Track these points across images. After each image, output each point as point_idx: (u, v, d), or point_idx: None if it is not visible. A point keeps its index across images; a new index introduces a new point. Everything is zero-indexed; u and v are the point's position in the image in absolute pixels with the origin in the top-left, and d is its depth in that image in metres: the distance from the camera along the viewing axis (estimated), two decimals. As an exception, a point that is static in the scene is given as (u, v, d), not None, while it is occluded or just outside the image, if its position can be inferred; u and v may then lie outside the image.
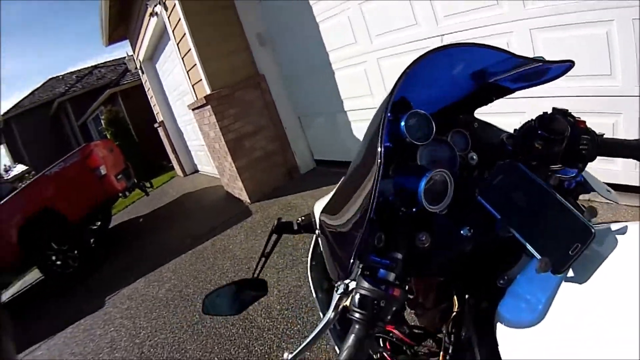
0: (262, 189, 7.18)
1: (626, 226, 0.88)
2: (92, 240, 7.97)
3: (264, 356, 3.58)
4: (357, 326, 0.87)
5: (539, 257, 0.88)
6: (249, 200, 7.19)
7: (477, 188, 1.02)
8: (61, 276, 7.27)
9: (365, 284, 0.90)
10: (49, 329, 5.70)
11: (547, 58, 1.09)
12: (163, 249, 6.86)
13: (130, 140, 16.62)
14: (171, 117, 12.36)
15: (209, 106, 6.78)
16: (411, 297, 1.27)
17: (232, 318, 4.18)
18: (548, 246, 0.89)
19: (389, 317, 0.90)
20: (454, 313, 1.08)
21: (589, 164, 1.15)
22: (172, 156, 13.16)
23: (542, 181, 1.01)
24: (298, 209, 6.08)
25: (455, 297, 1.10)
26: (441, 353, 1.05)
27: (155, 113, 12.95)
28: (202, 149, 10.00)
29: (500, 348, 0.88)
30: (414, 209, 0.98)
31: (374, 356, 1.16)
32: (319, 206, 1.45)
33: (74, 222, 7.48)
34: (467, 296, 1.07)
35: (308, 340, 0.91)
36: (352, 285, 0.94)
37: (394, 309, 0.90)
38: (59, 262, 7.29)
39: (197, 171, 12.62)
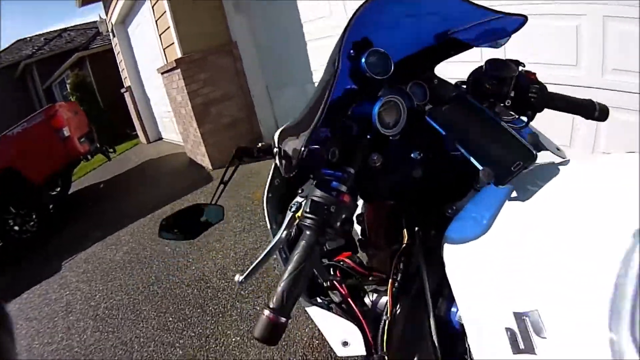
0: (225, 156, 7.11)
1: (568, 160, 0.97)
2: (51, 206, 7.80)
3: (218, 316, 3.60)
4: (307, 232, 0.90)
5: (481, 167, 0.93)
6: (211, 167, 7.15)
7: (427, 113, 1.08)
8: (18, 241, 7.07)
9: (317, 192, 0.94)
10: (3, 295, 5.60)
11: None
12: (122, 214, 6.78)
13: (95, 106, 16.16)
14: (139, 83, 12.14)
15: (178, 70, 6.70)
16: (362, 239, 1.31)
17: (187, 278, 4.20)
18: (491, 160, 0.95)
19: (338, 224, 0.93)
20: (404, 245, 1.12)
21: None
22: (137, 123, 12.96)
23: (488, 110, 1.07)
24: (260, 175, 6.06)
25: (405, 230, 1.14)
26: (390, 280, 1.09)
27: (123, 78, 12.71)
28: (167, 115, 9.88)
29: (447, 269, 0.91)
30: (369, 135, 1.04)
31: (324, 284, 1.18)
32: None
33: (34, 184, 7.28)
34: (416, 229, 1.12)
35: (258, 260, 0.96)
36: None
37: (343, 216, 0.93)
38: (16, 227, 7.13)
39: (161, 138, 12.47)
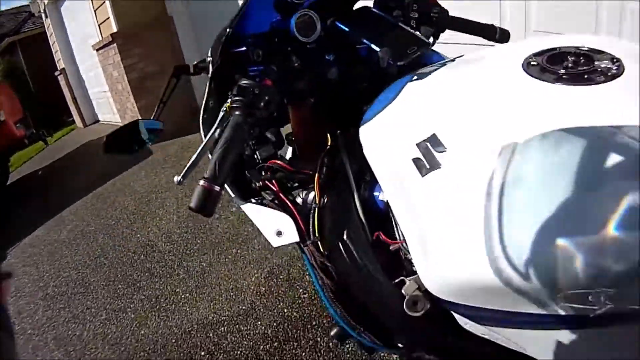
0: (164, 130, 7.06)
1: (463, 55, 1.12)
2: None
3: (166, 276, 3.68)
4: (236, 112, 0.98)
5: (379, 49, 1.11)
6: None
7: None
8: (-44, 236, 6.80)
9: (243, 79, 1.03)
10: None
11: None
12: (63, 197, 6.66)
13: (28, 93, 15.45)
14: (73, 64, 11.70)
15: (114, 44, 6.62)
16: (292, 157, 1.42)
17: (133, 246, 4.24)
18: (389, 45, 1.12)
19: (262, 104, 1.01)
20: (328, 146, 1.23)
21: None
22: (72, 106, 12.52)
23: (389, 17, 1.23)
24: (198, 145, 6.04)
25: (329, 135, 1.25)
26: (316, 174, 1.18)
27: (56, 60, 12.24)
28: (103, 96, 9.65)
29: (364, 150, 1.02)
30: (289, 47, 1.18)
31: (257, 184, 1.28)
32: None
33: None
34: (338, 132, 1.23)
35: (193, 158, 0.99)
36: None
37: (267, 97, 1.02)
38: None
39: (97, 121, 12.15)
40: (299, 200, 1.27)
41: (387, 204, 1.00)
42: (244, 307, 3.10)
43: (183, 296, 3.41)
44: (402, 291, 0.90)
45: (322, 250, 1.11)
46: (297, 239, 1.13)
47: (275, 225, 1.14)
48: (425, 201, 0.81)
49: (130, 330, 3.28)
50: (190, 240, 4.02)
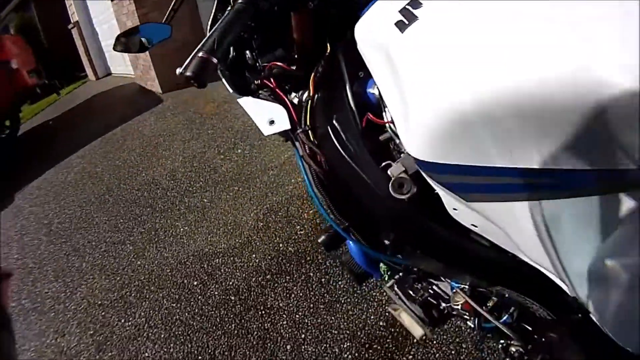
0: (175, 80, 7.01)
1: None
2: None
3: (167, 211, 3.66)
4: (239, 1, 0.95)
5: None
6: (160, 91, 7.05)
7: None
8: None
9: None
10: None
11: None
12: (72, 143, 6.64)
13: (41, 48, 15.37)
14: (87, 17, 11.69)
15: (129, -6, 6.47)
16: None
17: (138, 184, 4.23)
18: None
19: None
20: (327, 54, 1.19)
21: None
22: (85, 59, 12.50)
23: None
24: (209, 94, 6.04)
25: (328, 45, 1.20)
26: (313, 73, 1.15)
27: (70, 14, 12.22)
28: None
29: (358, 45, 0.96)
30: None
31: (255, 82, 1.27)
32: None
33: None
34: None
35: (196, 50, 0.92)
36: None
37: None
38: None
39: (110, 74, 12.14)
40: (295, 100, 1.24)
41: (378, 96, 0.97)
42: (240, 241, 3.07)
43: (182, 229, 3.39)
44: (388, 172, 0.88)
45: (312, 139, 1.09)
46: (289, 127, 1.11)
47: (268, 115, 1.13)
48: (405, 57, 0.79)
49: (128, 261, 3.27)
50: (193, 179, 3.99)
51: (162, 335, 2.58)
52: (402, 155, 0.90)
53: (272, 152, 4.06)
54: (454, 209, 0.82)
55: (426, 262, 1.11)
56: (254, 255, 2.91)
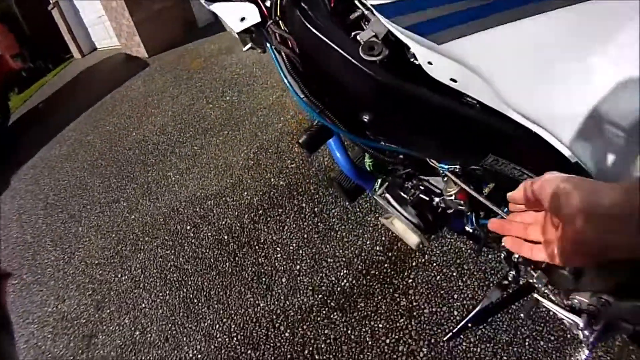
0: (160, 43, 6.88)
1: None
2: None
3: (158, 164, 3.55)
4: None
5: None
6: (146, 55, 6.87)
7: None
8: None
9: None
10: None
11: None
12: (63, 119, 6.43)
13: (22, 34, 15.03)
14: (66, -6, 11.44)
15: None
16: None
17: (129, 144, 4.11)
18: None
19: None
20: None
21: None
22: (68, 38, 12.18)
23: None
24: (196, 52, 5.89)
25: None
26: None
27: (49, -7, 11.94)
28: (99, 22, 9.39)
29: None
30: None
31: None
32: None
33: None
34: None
35: None
36: None
37: None
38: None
39: (95, 49, 11.91)
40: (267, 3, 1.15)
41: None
42: (231, 181, 2.94)
43: (173, 179, 3.27)
44: (358, 38, 0.86)
45: (283, 27, 1.03)
46: (259, 19, 1.05)
47: (239, 14, 1.07)
48: None
49: (122, 217, 3.17)
50: (183, 130, 3.86)
51: (158, 284, 2.49)
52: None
53: (260, 94, 3.91)
54: (429, 62, 0.78)
55: (410, 140, 1.01)
56: (245, 193, 2.79)
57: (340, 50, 0.87)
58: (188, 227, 2.74)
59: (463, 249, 2.01)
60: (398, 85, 0.84)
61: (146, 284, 2.53)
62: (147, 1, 6.68)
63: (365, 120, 0.94)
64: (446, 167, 1.00)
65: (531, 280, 0.99)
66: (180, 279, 2.44)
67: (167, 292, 2.42)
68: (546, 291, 1.11)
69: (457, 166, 0.98)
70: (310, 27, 0.92)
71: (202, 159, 3.33)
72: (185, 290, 2.37)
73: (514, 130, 0.77)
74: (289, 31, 1.01)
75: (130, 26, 6.74)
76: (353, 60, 0.84)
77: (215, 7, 1.16)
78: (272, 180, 2.80)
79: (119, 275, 2.70)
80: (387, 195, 1.32)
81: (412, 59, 0.84)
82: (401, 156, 1.09)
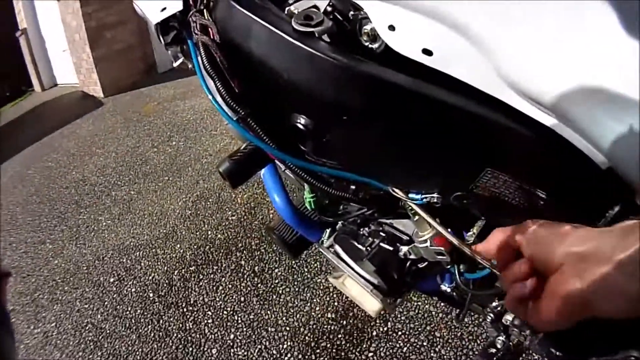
0: (118, 84, 6.62)
1: None
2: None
3: (92, 206, 3.28)
4: None
5: None
6: (102, 95, 6.57)
7: None
8: None
9: None
10: None
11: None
12: (9, 151, 6.04)
13: None
14: (35, 22, 11.11)
15: (75, -9, 6.04)
16: None
17: (66, 182, 3.81)
18: None
19: None
20: None
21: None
22: (31, 69, 11.85)
23: None
24: (150, 96, 5.67)
25: None
26: None
27: (19, 21, 11.60)
28: (63, 56, 9.14)
29: None
30: None
31: None
32: None
33: None
34: None
35: None
36: None
37: None
38: None
39: (56, 84, 11.55)
40: None
41: None
42: (164, 231, 2.70)
43: (104, 224, 3.00)
44: (292, 8, 0.66)
45: (207, 17, 0.80)
46: (180, 7, 0.85)
47: (161, 5, 0.88)
48: None
49: (45, 261, 2.87)
50: (123, 173, 3.61)
51: (71, 342, 2.20)
52: None
53: (208, 141, 3.71)
54: (390, 27, 0.56)
55: (365, 159, 0.73)
56: (178, 246, 2.55)
57: (266, 25, 0.65)
58: (112, 280, 2.47)
59: (434, 312, 1.78)
60: (345, 65, 0.59)
61: (58, 341, 2.23)
62: (109, 39, 6.48)
63: (301, 127, 0.69)
64: (419, 198, 0.70)
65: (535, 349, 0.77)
66: (96, 339, 2.16)
67: (80, 354, 2.12)
68: None
69: (435, 196, 0.68)
70: (233, 3, 0.71)
71: (137, 205, 3.08)
72: (99, 354, 2.09)
73: (524, 128, 0.54)
74: (213, 19, 0.79)
75: (90, 62, 6.50)
76: (283, 35, 0.63)
77: (138, 2, 1.01)
78: (210, 233, 2.57)
79: (31, 327, 2.38)
80: (337, 248, 1.04)
81: (366, 42, 0.62)
82: (353, 186, 0.78)
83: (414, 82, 0.57)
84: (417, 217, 0.77)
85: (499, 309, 0.85)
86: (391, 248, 0.96)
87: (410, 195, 0.70)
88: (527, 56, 0.49)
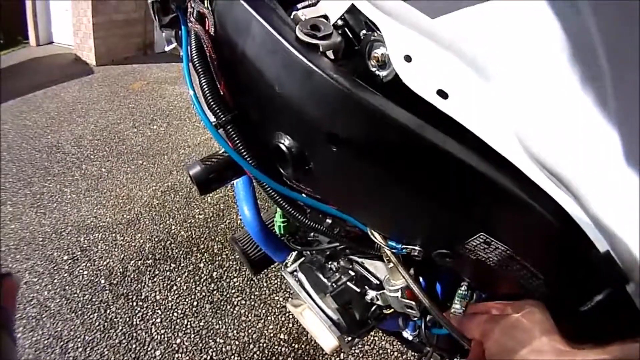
0: (112, 55, 6.34)
1: None
2: None
3: (60, 175, 3.05)
4: None
5: None
6: (94, 63, 6.27)
7: None
8: None
9: None
10: None
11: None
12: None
13: None
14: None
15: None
16: None
17: (39, 145, 3.57)
18: None
19: None
20: None
21: None
22: (30, 21, 11.34)
23: None
24: (142, 74, 5.42)
25: None
26: None
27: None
28: (64, 16, 8.75)
29: None
30: None
31: None
32: None
33: None
34: None
35: None
36: None
37: None
38: None
39: (52, 42, 11.09)
40: None
41: None
42: (128, 217, 2.52)
43: (69, 197, 2.79)
44: (298, 14, 0.57)
45: (207, 4, 0.67)
46: None
47: None
48: None
49: (2, 223, 2.63)
50: (98, 147, 3.39)
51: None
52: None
53: (189, 131, 3.53)
54: (407, 57, 0.47)
55: (349, 195, 0.62)
56: (139, 235, 2.37)
57: (266, 26, 0.54)
58: (65, 257, 2.28)
59: (389, 350, 1.66)
60: (346, 90, 0.48)
61: None
62: (112, 6, 6.19)
63: (284, 149, 0.57)
64: (398, 247, 0.61)
65: None
66: (39, 317, 1.97)
67: (21, 329, 1.92)
68: None
69: (417, 248, 0.60)
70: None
71: (105, 184, 2.88)
72: (41, 333, 1.90)
73: (534, 200, 0.45)
74: (211, 9, 0.67)
75: (89, 27, 6.20)
76: (282, 41, 0.52)
77: None
78: (173, 227, 2.41)
79: (-27, 292, 2.15)
80: (301, 276, 0.95)
81: (373, 68, 0.52)
82: (329, 220, 0.71)
83: (419, 125, 0.47)
84: (391, 265, 0.67)
85: None
86: (358, 290, 0.87)
87: (390, 243, 0.62)
88: (550, 119, 0.42)
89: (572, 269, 0.49)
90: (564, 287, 0.53)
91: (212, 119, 0.65)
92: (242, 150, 0.63)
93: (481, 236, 0.51)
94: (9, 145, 3.73)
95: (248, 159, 0.63)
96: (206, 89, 0.64)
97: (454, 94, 0.45)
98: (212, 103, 0.64)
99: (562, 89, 0.41)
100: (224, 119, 0.63)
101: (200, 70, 0.64)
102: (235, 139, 0.64)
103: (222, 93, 0.65)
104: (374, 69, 0.52)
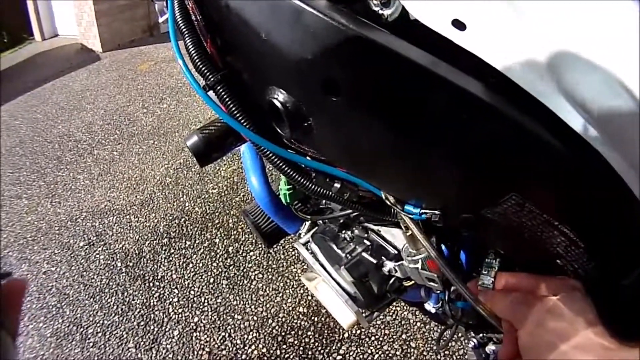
0: (117, 40, 6.26)
1: None
2: None
3: (72, 163, 2.99)
4: None
5: None
6: (100, 50, 6.18)
7: None
8: None
9: None
10: None
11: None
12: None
13: None
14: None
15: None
16: None
17: (51, 136, 3.52)
18: None
19: None
20: None
21: None
22: (33, 17, 11.30)
23: None
24: (149, 55, 5.32)
25: None
26: None
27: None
28: (66, 6, 8.71)
29: None
30: None
31: None
32: None
33: None
34: None
35: None
36: None
37: None
38: None
39: (57, 35, 11.09)
40: None
41: None
42: (141, 197, 2.44)
43: (82, 183, 2.73)
44: None
45: None
46: None
47: None
48: None
49: (19, 217, 2.60)
50: (109, 131, 3.31)
51: (34, 306, 1.95)
52: None
53: (199, 107, 3.42)
54: None
55: (358, 154, 0.52)
56: (153, 215, 2.29)
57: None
58: (82, 244, 2.22)
59: (412, 320, 1.56)
60: (344, 28, 0.39)
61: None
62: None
63: (279, 105, 0.48)
64: (416, 212, 0.52)
65: None
66: (59, 306, 1.93)
67: (42, 319, 1.88)
68: None
69: (438, 213, 0.50)
70: None
71: (117, 167, 2.81)
72: (61, 321, 1.86)
73: (570, 148, 0.36)
74: None
75: (91, 15, 6.13)
76: None
77: None
78: (187, 204, 2.32)
79: (-5, 286, 2.11)
80: (314, 247, 0.88)
81: (376, 7, 0.40)
82: (337, 184, 0.60)
83: (436, 63, 0.37)
84: (410, 232, 0.58)
85: (484, 338, 0.76)
86: (375, 261, 0.78)
87: (407, 208, 0.53)
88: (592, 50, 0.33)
89: (617, 232, 0.42)
90: (607, 255, 0.45)
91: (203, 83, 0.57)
92: (236, 112, 0.55)
93: (513, 197, 0.42)
94: (21, 140, 3.70)
95: (242, 120, 0.55)
96: (192, 49, 0.56)
97: (472, 24, 0.35)
98: (199, 63, 0.56)
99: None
100: (212, 79, 0.55)
101: (185, 31, 0.57)
102: (227, 100, 0.55)
103: (209, 52, 0.57)
104: (376, 8, 0.41)
